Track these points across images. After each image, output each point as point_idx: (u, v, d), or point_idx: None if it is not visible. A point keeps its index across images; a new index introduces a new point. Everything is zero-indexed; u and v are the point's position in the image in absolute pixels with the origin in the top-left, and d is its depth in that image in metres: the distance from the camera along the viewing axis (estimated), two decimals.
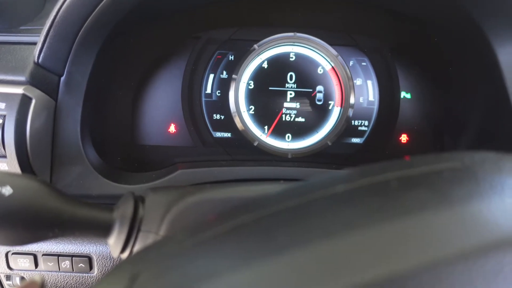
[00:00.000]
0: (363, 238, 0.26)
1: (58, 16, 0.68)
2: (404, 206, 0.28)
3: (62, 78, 0.74)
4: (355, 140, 1.01)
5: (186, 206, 0.53)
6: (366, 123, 1.00)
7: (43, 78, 0.72)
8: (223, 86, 0.98)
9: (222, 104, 0.99)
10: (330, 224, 0.29)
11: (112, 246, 0.53)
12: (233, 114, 0.97)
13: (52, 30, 0.69)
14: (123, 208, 0.54)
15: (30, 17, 1.07)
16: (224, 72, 0.99)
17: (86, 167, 0.78)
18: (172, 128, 0.99)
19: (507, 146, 0.82)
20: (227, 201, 0.53)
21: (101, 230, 0.53)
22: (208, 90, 0.99)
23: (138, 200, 0.56)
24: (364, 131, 1.01)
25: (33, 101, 0.70)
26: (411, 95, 1.00)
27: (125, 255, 0.53)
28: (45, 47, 0.70)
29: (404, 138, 1.01)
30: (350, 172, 0.41)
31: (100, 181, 0.79)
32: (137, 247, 0.52)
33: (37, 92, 0.71)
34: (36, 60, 0.71)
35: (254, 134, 0.98)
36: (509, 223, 0.24)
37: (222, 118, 0.99)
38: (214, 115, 0.99)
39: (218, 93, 0.99)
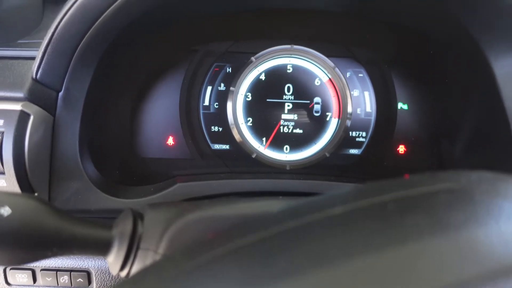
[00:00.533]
0: (360, 267, 0.26)
1: (56, 33, 0.69)
2: (400, 233, 0.28)
3: (60, 94, 0.74)
4: (353, 151, 1.01)
5: (185, 224, 0.53)
6: (364, 134, 1.01)
7: (41, 94, 0.72)
8: (221, 98, 0.99)
9: (220, 116, 0.99)
10: (327, 251, 0.29)
11: (111, 264, 0.53)
12: (231, 126, 0.98)
13: (50, 46, 0.69)
14: (122, 225, 0.54)
15: (28, 30, 1.08)
16: (222, 84, 0.99)
17: (84, 182, 0.78)
18: (170, 141, 0.99)
19: (502, 155, 0.82)
20: (226, 219, 0.53)
21: (100, 248, 0.53)
22: (206, 102, 0.99)
23: (137, 217, 0.56)
24: (362, 142, 1.01)
25: (31, 118, 0.70)
26: (408, 106, 1.01)
27: (124, 273, 0.53)
28: (43, 63, 0.70)
29: (401, 148, 1.01)
30: (348, 192, 0.42)
31: (99, 195, 0.79)
32: (136, 265, 0.52)
33: (35, 108, 0.71)
34: (34, 76, 0.71)
35: (252, 146, 0.98)
36: (506, 251, 0.24)
37: (220, 130, 1.00)
38: (212, 127, 1.00)
39: (216, 105, 0.99)
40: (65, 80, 0.73)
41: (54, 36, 0.69)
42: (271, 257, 0.31)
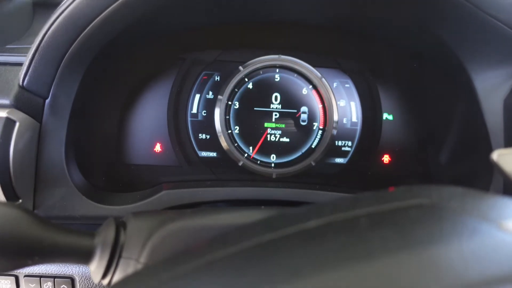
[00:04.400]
0: (328, 280, 0.27)
1: (44, 40, 0.69)
2: (368, 248, 0.29)
3: (47, 101, 0.74)
4: (339, 160, 1.02)
5: (167, 233, 0.54)
6: (350, 143, 1.02)
7: (27, 101, 0.72)
8: (209, 106, 0.99)
9: (207, 124, 1.00)
10: (298, 265, 0.30)
11: (93, 272, 0.54)
12: (218, 134, 0.98)
13: (37, 54, 0.70)
14: (105, 234, 0.55)
15: (18, 35, 1.08)
16: (210, 93, 1.00)
17: (70, 189, 0.78)
18: (157, 148, 1.00)
19: (483, 165, 0.84)
20: (208, 229, 0.54)
21: (82, 257, 0.53)
22: (194, 110, 1.00)
23: (120, 226, 0.57)
24: (348, 152, 1.02)
25: (17, 124, 0.70)
26: (393, 117, 1.03)
27: (106, 281, 0.54)
28: (30, 70, 0.71)
29: (386, 158, 1.03)
30: (324, 205, 0.43)
31: (84, 202, 0.79)
32: (118, 274, 0.53)
33: (21, 115, 0.71)
34: (21, 83, 0.71)
35: (239, 154, 0.98)
36: (464, 269, 0.25)
37: (207, 137, 1.00)
38: (200, 135, 1.00)
39: (204, 113, 1.00)
40: (52, 88, 0.73)
41: (42, 44, 0.69)
42: (244, 270, 0.31)
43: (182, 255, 0.40)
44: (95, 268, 0.53)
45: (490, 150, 0.80)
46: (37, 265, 0.81)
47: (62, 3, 0.68)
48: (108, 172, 0.95)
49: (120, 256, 0.53)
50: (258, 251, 0.34)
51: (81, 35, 0.70)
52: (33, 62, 0.70)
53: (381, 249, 0.28)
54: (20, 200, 0.73)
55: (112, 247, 0.53)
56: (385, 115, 1.02)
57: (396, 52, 0.97)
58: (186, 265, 0.36)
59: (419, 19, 0.79)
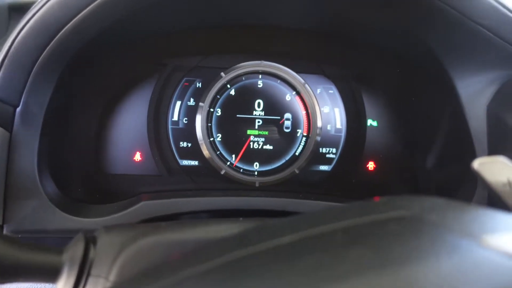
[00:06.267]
0: None
1: (13, 46, 0.66)
2: (344, 267, 0.27)
3: (18, 109, 0.71)
4: (323, 167, 1.01)
5: (139, 249, 0.51)
6: (334, 150, 1.01)
7: None
8: (190, 113, 0.97)
9: (189, 131, 0.97)
10: (272, 283, 0.28)
11: None
12: (200, 142, 0.96)
13: (7, 59, 0.67)
14: (73, 250, 0.52)
15: None
16: (191, 99, 0.97)
17: (42, 200, 0.75)
18: (137, 156, 0.97)
19: (468, 171, 0.83)
20: (181, 244, 0.51)
21: (49, 275, 0.50)
22: (175, 118, 0.97)
23: (90, 241, 0.54)
24: (332, 159, 1.01)
25: None
26: (377, 123, 1.01)
27: None
28: None
29: (371, 165, 1.01)
30: (301, 217, 0.41)
31: (58, 215, 0.76)
32: None
33: None
34: None
35: (221, 162, 0.96)
36: None
37: (189, 145, 0.98)
38: (181, 143, 0.98)
39: (185, 120, 0.97)
40: (23, 95, 0.70)
41: (12, 49, 0.66)
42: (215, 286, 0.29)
43: (151, 273, 0.38)
44: (62, 287, 0.50)
45: (474, 156, 0.79)
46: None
47: (33, 6, 0.65)
48: (86, 183, 0.91)
49: (89, 274, 0.50)
50: (228, 269, 0.32)
51: (53, 40, 0.67)
52: (2, 69, 0.67)
53: (356, 269, 0.26)
54: None
55: (80, 264, 0.50)
56: (370, 121, 1.01)
57: (380, 58, 0.96)
58: (156, 283, 0.34)
59: (404, 24, 0.78)
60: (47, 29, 0.66)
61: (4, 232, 0.72)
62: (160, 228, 0.55)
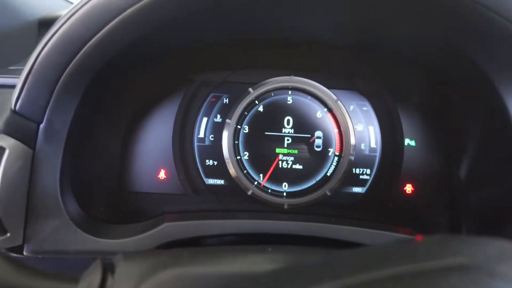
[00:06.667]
0: None
1: (37, 62, 0.65)
2: None
3: (41, 126, 0.69)
4: (357, 189, 0.95)
5: (159, 281, 0.47)
6: (368, 171, 0.95)
7: (20, 126, 0.68)
8: (217, 130, 0.94)
9: (215, 149, 0.94)
10: None
11: None
12: (226, 160, 0.92)
13: (31, 76, 0.65)
14: (90, 278, 0.48)
15: (22, 56, 1.05)
16: (218, 116, 0.94)
17: (64, 220, 0.72)
18: (162, 174, 0.94)
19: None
20: (206, 278, 0.46)
21: None
22: (201, 134, 0.94)
23: (107, 270, 0.50)
24: (366, 180, 0.95)
25: (7, 152, 0.65)
26: (415, 143, 0.95)
27: None
28: (23, 94, 0.66)
29: (409, 188, 0.95)
30: (341, 259, 0.35)
31: (79, 235, 0.73)
32: None
33: (12, 141, 0.66)
34: (13, 108, 0.67)
35: (248, 182, 0.92)
36: None
37: (215, 164, 0.94)
38: (207, 161, 0.94)
39: (212, 137, 0.94)
40: (47, 112, 0.68)
41: (36, 66, 0.65)
42: None
43: None
44: None
45: None
46: None
47: (56, 22, 0.63)
48: (108, 201, 0.89)
49: None
50: None
51: (77, 57, 0.65)
52: (26, 85, 0.66)
53: None
54: (8, 234, 0.67)
55: None
56: (407, 141, 0.94)
57: (418, 72, 0.90)
58: None
59: (444, 35, 0.72)
60: (71, 45, 0.64)
61: (24, 252, 0.71)
62: (182, 258, 0.51)
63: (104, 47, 0.66)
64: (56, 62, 0.65)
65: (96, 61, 0.68)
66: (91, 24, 0.62)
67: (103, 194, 0.89)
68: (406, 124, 0.94)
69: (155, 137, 0.94)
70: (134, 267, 0.50)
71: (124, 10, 0.62)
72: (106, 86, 0.79)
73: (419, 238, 0.38)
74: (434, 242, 0.35)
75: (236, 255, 0.51)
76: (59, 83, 0.67)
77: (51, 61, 0.65)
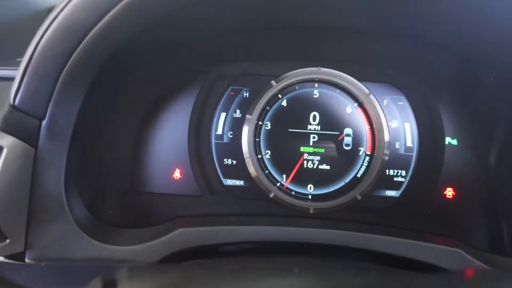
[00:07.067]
0: None
1: (36, 51, 0.59)
2: None
3: (44, 122, 0.64)
4: (390, 193, 0.88)
5: None
6: (403, 173, 0.88)
7: (20, 122, 0.62)
8: (236, 126, 0.89)
9: (234, 147, 0.88)
10: None
11: None
12: (246, 159, 0.87)
13: (30, 67, 0.60)
14: None
15: None
16: (238, 111, 0.89)
17: (69, 225, 0.67)
18: (176, 174, 0.89)
19: None
20: None
21: None
22: (219, 131, 0.89)
23: None
24: (401, 183, 0.88)
25: (5, 151, 0.60)
26: (457, 141, 0.87)
27: None
28: (22, 87, 0.60)
29: (449, 192, 0.87)
30: None
31: (85, 241, 0.68)
32: None
33: (11, 139, 0.61)
34: (12, 102, 0.61)
35: (270, 183, 0.86)
36: None
37: (233, 163, 0.89)
38: (225, 160, 0.89)
39: (230, 134, 0.89)
40: (50, 107, 0.63)
41: (35, 56, 0.59)
42: None
43: None
44: None
45: None
46: None
47: (56, 6, 0.57)
48: (119, 203, 0.84)
49: None
50: None
51: (80, 46, 0.59)
52: (25, 77, 0.60)
53: None
54: (8, 240, 0.62)
55: None
56: (448, 139, 0.87)
57: (463, 63, 0.81)
58: None
59: (497, 20, 0.62)
60: (72, 33, 0.58)
61: (26, 259, 0.66)
62: (194, 278, 0.44)
63: (110, 34, 0.60)
64: (58, 51, 0.59)
65: (102, 51, 0.63)
66: (93, 8, 0.56)
67: (113, 196, 0.84)
68: (447, 121, 0.86)
69: (170, 134, 0.89)
70: (138, 286, 0.43)
71: None
72: (114, 79, 0.73)
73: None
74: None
75: (256, 278, 0.43)
76: (62, 75, 0.61)
77: (51, 51, 0.59)
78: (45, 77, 0.61)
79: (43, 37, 0.58)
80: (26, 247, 0.65)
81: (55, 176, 0.66)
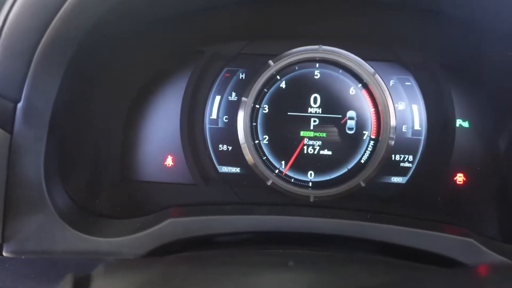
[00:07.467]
0: None
1: (5, 28, 0.54)
2: None
3: (19, 105, 0.60)
4: (396, 179, 0.85)
5: None
6: (411, 158, 0.85)
7: None
8: (232, 110, 0.86)
9: (229, 132, 0.86)
10: None
11: None
12: (242, 145, 0.84)
13: (0, 44, 0.54)
14: None
15: None
16: (233, 94, 0.86)
17: (49, 215, 0.64)
18: (168, 161, 0.86)
19: None
20: None
21: None
22: (214, 115, 0.86)
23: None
24: (408, 168, 0.85)
25: None
26: (469, 124, 0.83)
27: None
28: None
29: (460, 178, 0.83)
30: None
31: (68, 233, 0.65)
32: None
33: None
34: None
35: (267, 170, 0.83)
36: None
37: (229, 149, 0.86)
38: (220, 146, 0.86)
39: (226, 118, 0.86)
40: (25, 88, 0.59)
41: (4, 32, 0.54)
42: None
43: None
44: None
45: None
46: None
47: None
48: (106, 192, 0.81)
49: None
50: None
51: (54, 19, 0.55)
52: None
53: None
54: None
55: None
56: (459, 122, 0.83)
57: (476, 40, 0.75)
58: None
59: None
60: (45, 5, 0.53)
61: (4, 252, 0.63)
62: (176, 274, 0.39)
63: (87, 8, 0.55)
64: (30, 27, 0.56)
65: (80, 26, 0.58)
66: None
67: (101, 185, 0.81)
68: (458, 102, 0.82)
69: (162, 119, 0.86)
70: (113, 284, 0.39)
71: None
72: (97, 58, 0.69)
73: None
74: None
75: (247, 272, 0.38)
76: (36, 53, 0.57)
77: (23, 26, 0.55)
78: (17, 56, 0.57)
79: (10, 11, 0.53)
80: (3, 239, 0.62)
81: (33, 164, 0.62)
